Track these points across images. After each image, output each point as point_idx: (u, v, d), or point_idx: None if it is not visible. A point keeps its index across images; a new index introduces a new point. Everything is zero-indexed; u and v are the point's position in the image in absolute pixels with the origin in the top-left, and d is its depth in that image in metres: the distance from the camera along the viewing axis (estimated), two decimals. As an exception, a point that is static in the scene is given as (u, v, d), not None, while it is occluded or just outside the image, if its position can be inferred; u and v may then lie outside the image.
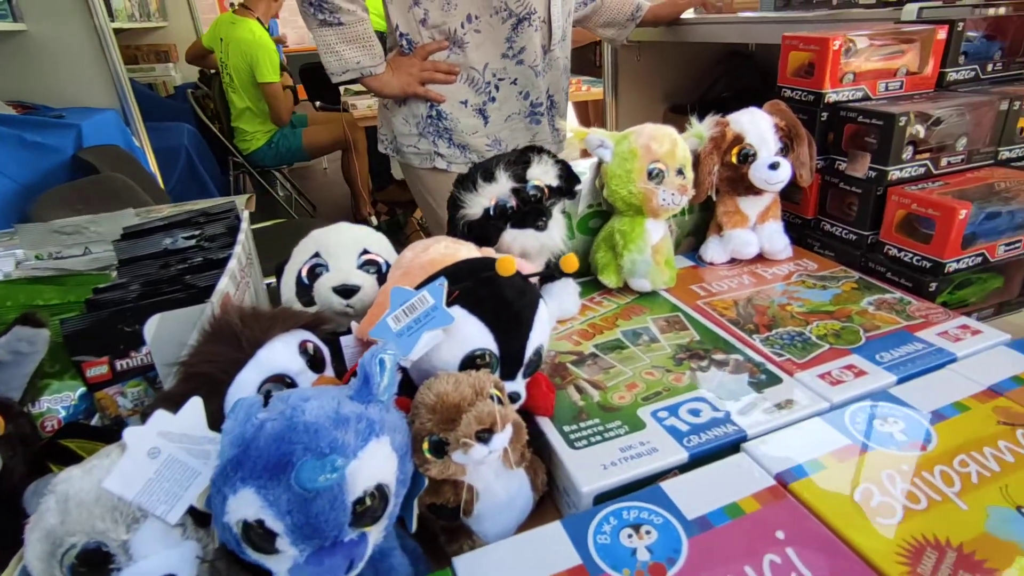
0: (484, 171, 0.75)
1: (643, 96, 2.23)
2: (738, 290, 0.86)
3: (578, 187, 0.84)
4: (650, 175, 0.82)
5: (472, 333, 0.52)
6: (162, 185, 2.46)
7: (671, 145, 0.83)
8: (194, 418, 0.45)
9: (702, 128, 0.88)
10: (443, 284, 0.53)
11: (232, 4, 3.45)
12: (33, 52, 2.19)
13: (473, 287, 0.53)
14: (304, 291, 0.73)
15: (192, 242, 0.77)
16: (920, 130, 0.84)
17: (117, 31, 3.36)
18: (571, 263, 0.55)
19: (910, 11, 1.16)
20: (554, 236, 0.74)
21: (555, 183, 0.78)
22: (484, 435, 0.46)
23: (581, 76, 3.19)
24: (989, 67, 0.99)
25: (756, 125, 0.87)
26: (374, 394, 0.46)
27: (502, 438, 0.47)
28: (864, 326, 0.74)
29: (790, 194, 0.98)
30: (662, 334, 0.77)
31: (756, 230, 0.92)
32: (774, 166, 0.85)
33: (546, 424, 0.61)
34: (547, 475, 0.59)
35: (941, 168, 0.86)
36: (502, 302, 0.54)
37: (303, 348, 0.58)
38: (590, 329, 0.79)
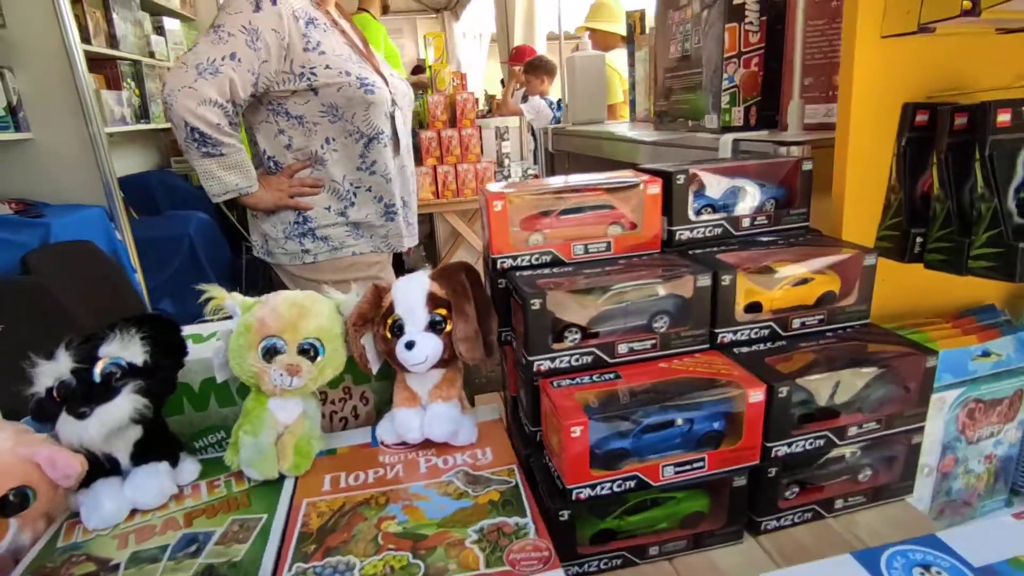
0: (47, 349, 0.69)
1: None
2: (372, 487, 0.72)
3: (208, 355, 0.77)
4: (264, 351, 0.73)
5: None
6: (141, 277, 2.62)
7: (296, 316, 0.74)
8: None
9: (346, 297, 0.78)
10: None
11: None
12: (36, 156, 2.46)
13: None
14: None
15: None
16: (584, 312, 0.69)
17: (165, 130, 3.75)
18: None
19: (725, 143, 1.01)
20: (90, 429, 0.66)
21: (140, 360, 0.71)
22: None
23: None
24: (747, 222, 0.81)
25: (407, 294, 0.76)
26: None
27: None
28: (432, 568, 0.59)
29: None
30: (215, 546, 0.65)
31: (428, 409, 0.79)
32: (409, 345, 0.73)
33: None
34: None
35: (620, 356, 0.70)
36: None
37: None
38: (162, 526, 0.69)
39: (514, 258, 0.76)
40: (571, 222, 0.78)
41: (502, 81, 7.29)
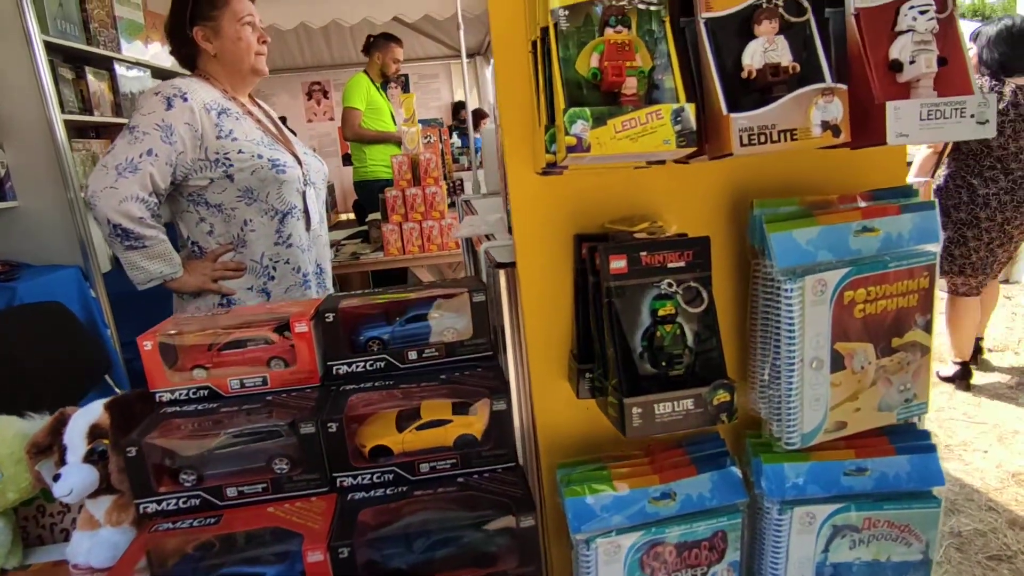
0: None
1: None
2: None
3: None
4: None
5: None
6: (114, 333, 2.81)
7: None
8: None
9: (33, 424, 0.83)
10: None
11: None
12: (21, 222, 2.70)
13: None
14: None
15: None
16: (197, 455, 0.72)
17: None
18: None
19: (480, 254, 1.02)
20: None
21: None
22: None
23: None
24: (413, 355, 0.81)
25: (74, 425, 0.80)
26: None
27: None
28: None
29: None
30: None
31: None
32: (56, 477, 0.77)
33: None
34: None
35: (228, 499, 0.71)
36: None
37: None
38: None
39: (171, 392, 0.79)
40: (232, 357, 0.80)
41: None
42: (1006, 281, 4.32)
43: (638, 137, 0.60)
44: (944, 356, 3.01)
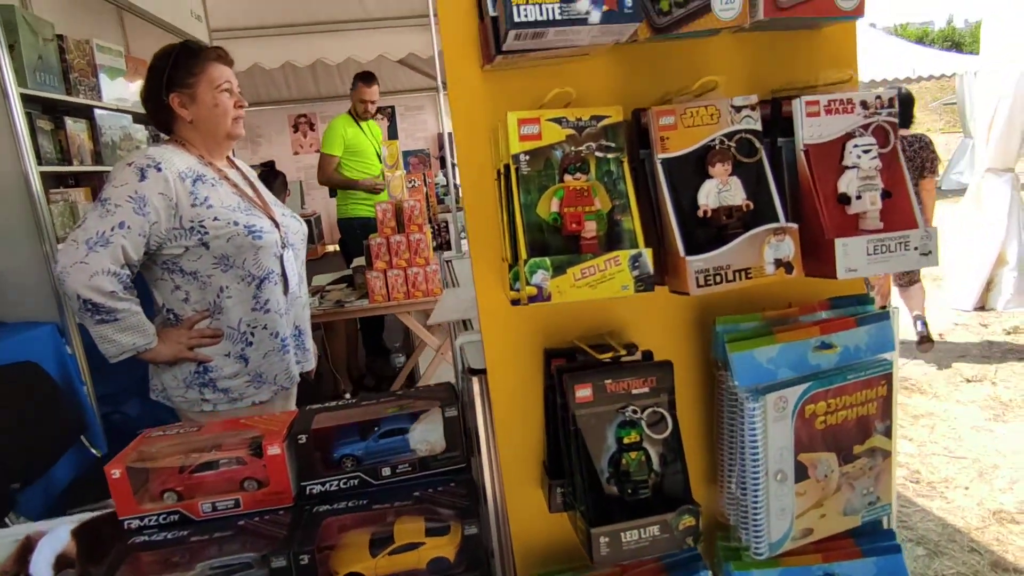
0: None
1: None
2: None
3: None
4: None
5: None
6: (91, 390, 2.77)
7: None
8: None
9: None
10: None
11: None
12: (-3, 280, 2.68)
13: None
14: None
15: None
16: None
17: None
18: None
19: (458, 348, 1.02)
20: None
21: None
22: None
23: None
24: (387, 471, 0.82)
25: (39, 553, 0.79)
26: None
27: None
28: None
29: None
30: None
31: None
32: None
33: None
34: None
35: (200, 636, 0.71)
36: None
37: None
38: None
39: (140, 519, 0.79)
40: (204, 480, 0.80)
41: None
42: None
43: (597, 284, 0.62)
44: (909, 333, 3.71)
